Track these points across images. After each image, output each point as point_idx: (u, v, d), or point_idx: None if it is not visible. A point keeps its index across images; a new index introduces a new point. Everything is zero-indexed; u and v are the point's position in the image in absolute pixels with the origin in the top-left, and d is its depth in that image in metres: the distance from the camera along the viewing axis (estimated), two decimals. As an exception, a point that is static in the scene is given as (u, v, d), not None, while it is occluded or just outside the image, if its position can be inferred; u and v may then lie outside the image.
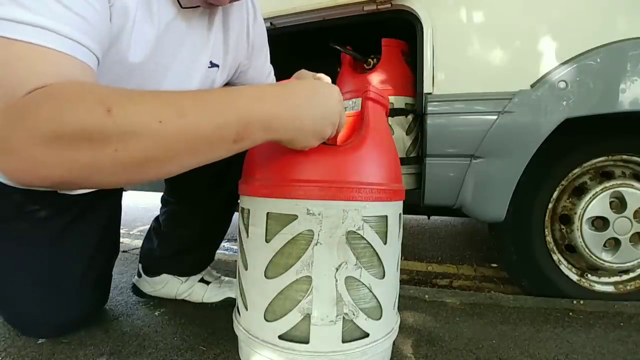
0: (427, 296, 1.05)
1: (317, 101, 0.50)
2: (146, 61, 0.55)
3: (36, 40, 0.36)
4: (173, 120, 0.38)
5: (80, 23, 0.40)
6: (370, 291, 0.56)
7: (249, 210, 0.59)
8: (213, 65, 0.68)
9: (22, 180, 0.36)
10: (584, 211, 1.04)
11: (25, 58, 0.36)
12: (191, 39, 0.62)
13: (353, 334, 0.55)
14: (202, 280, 0.97)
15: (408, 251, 1.90)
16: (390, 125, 1.18)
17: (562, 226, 1.11)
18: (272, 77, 0.89)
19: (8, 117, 0.35)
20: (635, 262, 1.05)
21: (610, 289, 1.11)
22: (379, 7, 1.09)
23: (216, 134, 0.41)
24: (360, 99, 0.63)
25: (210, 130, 0.40)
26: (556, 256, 1.13)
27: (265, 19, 1.13)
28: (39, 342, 0.74)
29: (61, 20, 0.38)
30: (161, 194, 0.99)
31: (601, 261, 1.05)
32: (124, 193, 0.90)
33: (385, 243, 0.57)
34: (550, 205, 1.11)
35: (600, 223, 1.06)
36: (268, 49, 0.85)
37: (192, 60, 0.64)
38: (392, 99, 1.19)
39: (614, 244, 1.05)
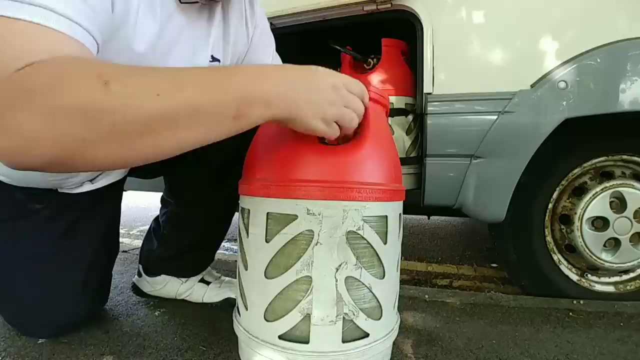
0: (427, 296, 1.05)
1: (314, 82, 0.49)
2: (149, 53, 0.55)
3: (34, 19, 0.36)
4: (171, 93, 0.37)
5: (80, 5, 0.40)
6: (371, 291, 0.56)
7: (249, 210, 0.59)
8: (214, 59, 0.68)
9: (12, 159, 0.35)
10: (584, 211, 1.04)
11: (21, 35, 0.36)
12: (191, 34, 0.61)
13: (353, 334, 0.55)
14: (202, 281, 0.97)
15: (408, 251, 1.90)
16: (390, 125, 1.17)
17: (562, 226, 1.11)
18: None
19: (0, 92, 0.34)
20: (635, 262, 1.05)
21: (610, 289, 1.11)
22: (379, 7, 1.09)
23: (216, 109, 0.40)
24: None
25: (209, 104, 0.39)
26: (556, 256, 1.13)
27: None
28: (39, 342, 0.74)
29: (61, 0, 0.38)
30: (161, 193, 0.99)
31: (601, 261, 1.05)
32: (124, 193, 0.90)
33: (385, 243, 0.57)
34: (550, 205, 1.11)
35: (600, 223, 1.06)
36: (272, 38, 0.82)
37: (192, 54, 0.63)
38: (392, 99, 1.19)
39: (614, 244, 1.05)
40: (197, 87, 0.39)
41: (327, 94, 0.49)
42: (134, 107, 0.35)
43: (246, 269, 0.59)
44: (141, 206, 3.47)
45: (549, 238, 1.12)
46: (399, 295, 0.66)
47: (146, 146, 0.38)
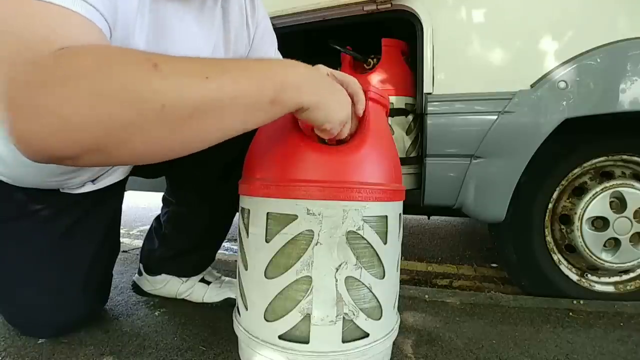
0: (427, 296, 1.05)
1: (335, 85, 0.54)
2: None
3: (59, 2, 0.35)
4: (219, 76, 0.38)
5: None
6: (370, 291, 0.56)
7: (249, 210, 0.59)
8: None
9: (45, 146, 0.32)
10: (584, 211, 1.04)
11: (49, 15, 0.35)
12: (191, 34, 0.61)
13: (353, 334, 0.55)
14: (202, 280, 0.97)
15: (408, 251, 1.90)
16: (390, 125, 1.18)
17: (562, 226, 1.11)
18: None
19: (36, 73, 0.32)
20: (635, 262, 1.05)
21: (610, 289, 1.11)
22: (379, 7, 1.09)
23: (256, 93, 0.41)
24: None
25: (251, 88, 0.41)
26: (556, 256, 1.13)
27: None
28: (39, 342, 0.74)
29: None
30: (162, 193, 0.99)
31: (601, 261, 1.05)
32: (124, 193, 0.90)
33: (385, 243, 0.57)
34: (550, 205, 1.11)
35: (600, 223, 1.06)
36: (274, 37, 0.83)
37: (193, 54, 0.63)
38: (392, 99, 1.19)
39: (614, 244, 1.05)
40: (240, 73, 0.40)
41: (343, 97, 0.54)
42: (185, 88, 0.35)
43: (246, 269, 0.59)
44: (141, 206, 3.46)
45: (549, 238, 1.12)
46: (399, 295, 0.66)
47: (191, 132, 0.38)
